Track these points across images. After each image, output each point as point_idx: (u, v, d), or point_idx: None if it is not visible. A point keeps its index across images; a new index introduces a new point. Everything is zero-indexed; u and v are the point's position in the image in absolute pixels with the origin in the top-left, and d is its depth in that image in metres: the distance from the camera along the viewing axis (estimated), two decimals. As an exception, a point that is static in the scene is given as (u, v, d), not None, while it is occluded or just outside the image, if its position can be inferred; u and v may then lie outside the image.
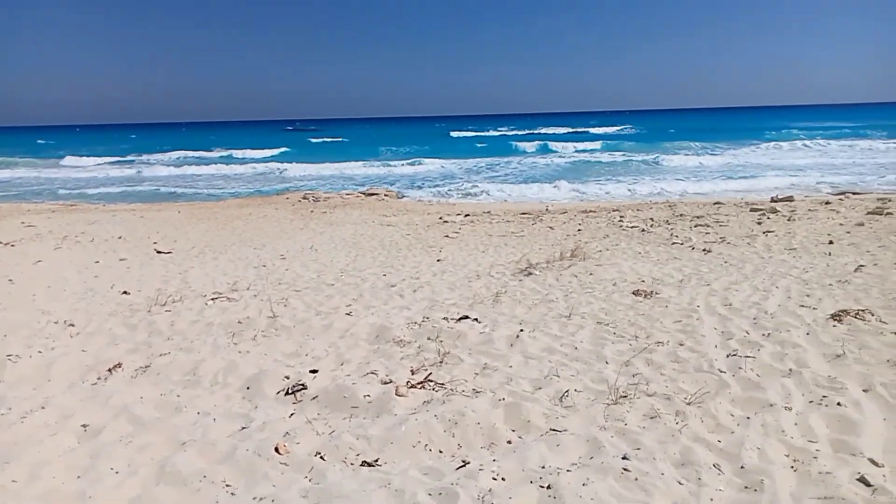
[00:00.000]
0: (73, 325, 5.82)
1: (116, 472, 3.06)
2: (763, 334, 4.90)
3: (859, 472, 2.62)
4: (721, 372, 4.04)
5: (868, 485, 2.52)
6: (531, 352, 4.71)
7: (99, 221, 14.69)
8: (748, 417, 3.32)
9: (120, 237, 12.38)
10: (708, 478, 2.72)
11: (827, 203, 14.58)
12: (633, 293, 6.58)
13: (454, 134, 67.12)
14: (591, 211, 15.51)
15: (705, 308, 5.84)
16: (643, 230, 11.92)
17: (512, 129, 74.82)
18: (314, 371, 4.39)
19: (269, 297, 6.98)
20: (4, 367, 4.58)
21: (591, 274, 7.86)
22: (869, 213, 12.35)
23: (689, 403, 3.51)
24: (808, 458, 2.83)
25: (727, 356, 4.39)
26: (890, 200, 14.32)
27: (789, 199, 15.27)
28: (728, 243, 10.01)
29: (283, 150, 46.85)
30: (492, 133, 69.37)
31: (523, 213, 15.71)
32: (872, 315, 5.14)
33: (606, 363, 4.38)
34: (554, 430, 3.26)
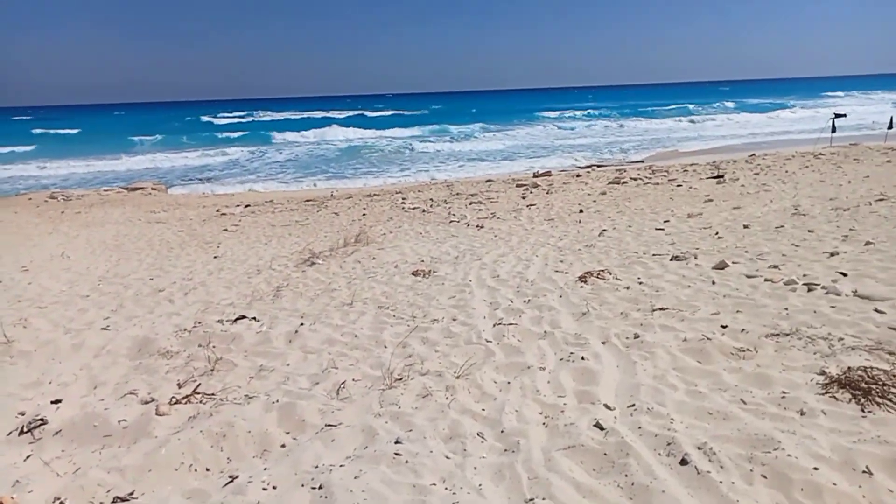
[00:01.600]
0: None
1: None
2: (524, 301, 5.36)
3: (595, 419, 2.98)
4: (488, 342, 4.33)
5: (602, 429, 2.88)
6: (311, 346, 4.61)
7: None
8: (509, 382, 3.60)
9: None
10: (472, 447, 2.88)
11: (578, 176, 16.49)
12: (413, 273, 6.79)
13: (217, 121, 61.28)
14: (375, 195, 15.72)
15: (476, 282, 6.23)
16: (424, 211, 12.40)
17: (277, 113, 71.63)
18: (56, 401, 3.82)
19: (5, 318, 5.93)
20: None
21: (374, 258, 7.95)
22: (610, 182, 14.24)
23: (458, 377, 3.70)
24: (557, 413, 3.15)
25: (493, 325, 4.72)
26: (625, 171, 16.65)
27: (548, 174, 16.98)
28: (498, 218, 10.83)
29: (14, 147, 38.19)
30: (260, 117, 65.50)
31: (308, 201, 15.40)
32: (611, 274, 5.91)
33: (385, 347, 4.45)
34: (329, 424, 3.22)
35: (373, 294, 6.11)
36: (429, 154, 28.48)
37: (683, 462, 2.52)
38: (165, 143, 37.46)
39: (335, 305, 5.81)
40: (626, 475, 2.50)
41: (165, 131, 45.08)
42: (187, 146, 34.66)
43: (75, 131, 50.31)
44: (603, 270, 6.02)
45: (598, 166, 20.01)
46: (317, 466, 2.80)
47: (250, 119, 62.64)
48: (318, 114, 67.31)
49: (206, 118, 63.27)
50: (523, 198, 13.16)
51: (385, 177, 20.97)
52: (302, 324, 5.19)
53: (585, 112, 58.76)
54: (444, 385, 3.60)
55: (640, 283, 5.56)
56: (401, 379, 3.73)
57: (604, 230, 8.59)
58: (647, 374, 3.51)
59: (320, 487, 2.60)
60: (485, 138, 35.61)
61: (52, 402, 3.81)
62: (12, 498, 2.75)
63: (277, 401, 3.52)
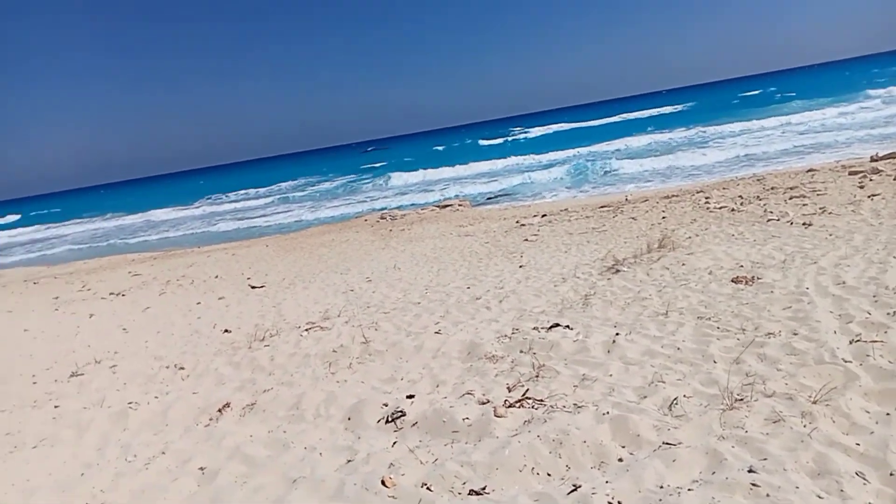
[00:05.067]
0: (182, 369, 6.14)
1: (235, 516, 3.15)
2: (888, 313, 4.47)
3: None
4: (846, 362, 3.70)
5: None
6: (630, 357, 4.51)
7: (196, 264, 15.54)
8: (888, 413, 3.01)
9: (216, 276, 13.04)
10: (852, 489, 2.46)
11: (940, 156, 13.30)
12: (733, 281, 6.21)
13: (482, 143, 64.52)
14: (673, 196, 14.88)
15: (816, 290, 5.42)
16: (733, 209, 11.31)
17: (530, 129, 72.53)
18: (411, 396, 4.39)
19: (359, 322, 7.10)
20: (127, 415, 4.87)
21: (683, 264, 7.49)
22: None
23: (815, 402, 3.22)
24: (967, 458, 2.52)
25: (850, 343, 4.02)
26: None
27: (892, 156, 14.04)
28: (830, 213, 9.31)
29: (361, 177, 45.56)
30: (518, 135, 66.88)
31: (602, 207, 15.29)
32: None
33: (714, 363, 4.12)
34: (667, 443, 3.08)
35: (689, 303, 5.75)
36: (726, 146, 25.92)
37: None
38: (465, 166, 40.14)
39: (648, 315, 5.61)
40: None
41: (452, 156, 49.24)
42: (468, 169, 37.02)
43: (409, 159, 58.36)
44: None
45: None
46: (661, 486, 2.70)
47: (510, 138, 64.86)
48: (592, 122, 66.81)
49: (482, 141, 66.94)
50: (861, 187, 11.10)
51: (685, 177, 19.76)
52: (617, 333, 5.11)
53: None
54: (799, 410, 3.17)
55: None
56: (741, 399, 3.40)
57: None
58: None
59: (670, 510, 2.49)
60: (801, 124, 31.11)
61: (407, 397, 4.39)
62: (390, 478, 3.22)
63: (607, 412, 3.51)
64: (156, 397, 5.34)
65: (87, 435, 4.66)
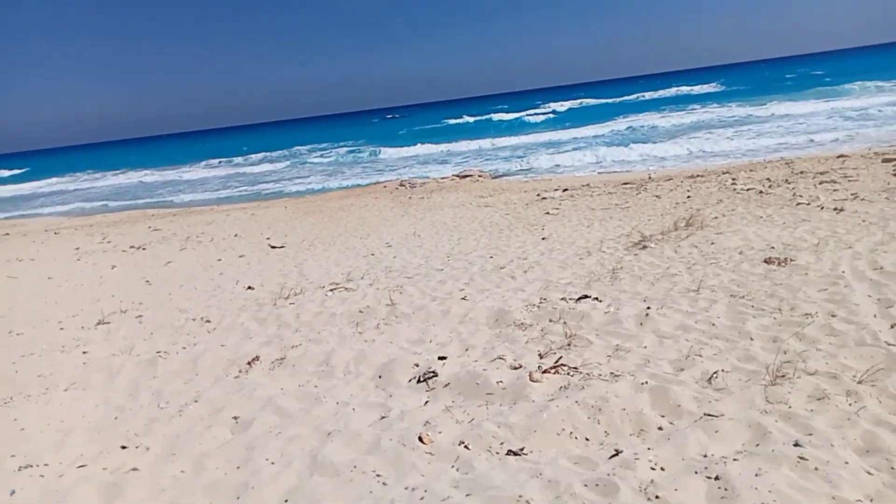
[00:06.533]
0: (209, 322, 6.18)
1: (272, 463, 3.18)
2: (929, 300, 4.39)
3: None
4: (889, 345, 3.64)
5: None
6: (664, 331, 4.48)
7: (215, 222, 15.59)
8: (937, 397, 2.96)
9: (236, 235, 13.07)
10: (902, 467, 2.44)
11: (977, 147, 12.99)
12: (765, 261, 6.13)
13: (504, 116, 61.35)
14: (698, 176, 14.67)
15: (852, 274, 5.34)
16: (760, 192, 11.13)
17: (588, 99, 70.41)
18: (442, 358, 4.39)
19: (384, 285, 7.10)
20: (157, 364, 4.92)
21: (712, 243, 7.41)
22: None
23: (860, 382, 3.19)
24: None
25: (892, 326, 3.96)
26: None
27: (929, 145, 13.71)
28: (863, 200, 9.15)
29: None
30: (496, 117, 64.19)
31: (625, 184, 15.11)
32: None
33: (751, 340, 4.08)
34: (709, 414, 3.06)
35: (720, 281, 5.68)
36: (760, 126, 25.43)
37: None
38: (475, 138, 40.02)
39: (679, 291, 5.56)
40: None
41: (473, 127, 48.47)
42: (489, 141, 36.52)
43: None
44: None
45: None
46: (705, 455, 2.69)
47: (532, 112, 62.68)
48: (622, 98, 65.41)
49: (504, 115, 64.55)
50: None
51: (712, 158, 19.46)
52: (649, 307, 5.07)
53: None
54: (844, 389, 3.14)
55: None
56: (783, 376, 3.36)
57: None
58: None
59: (717, 478, 2.47)
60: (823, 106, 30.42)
61: (439, 358, 4.40)
62: (427, 435, 3.23)
63: (646, 382, 3.49)
64: (184, 348, 5.39)
65: (118, 380, 4.72)
